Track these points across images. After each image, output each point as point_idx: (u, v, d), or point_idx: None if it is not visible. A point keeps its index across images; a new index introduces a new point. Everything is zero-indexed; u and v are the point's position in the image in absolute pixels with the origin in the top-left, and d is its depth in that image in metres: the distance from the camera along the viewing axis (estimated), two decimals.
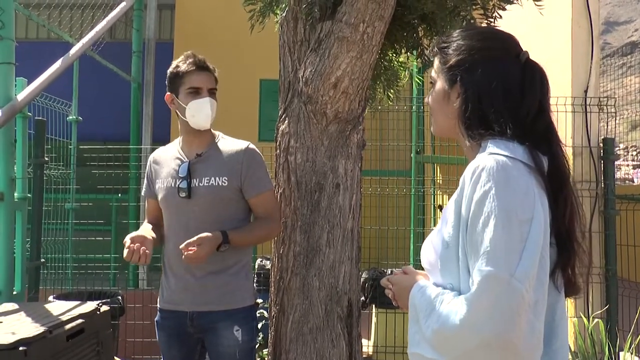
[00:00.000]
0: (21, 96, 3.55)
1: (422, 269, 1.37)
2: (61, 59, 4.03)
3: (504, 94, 1.22)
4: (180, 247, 2.07)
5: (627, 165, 15.95)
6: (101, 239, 4.93)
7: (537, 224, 1.10)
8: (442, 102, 1.32)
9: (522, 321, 1.05)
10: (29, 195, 3.75)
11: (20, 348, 2.04)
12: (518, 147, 1.18)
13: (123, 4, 5.17)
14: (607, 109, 3.97)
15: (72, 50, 4.24)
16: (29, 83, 3.68)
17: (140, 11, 6.06)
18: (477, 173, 1.14)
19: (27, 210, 3.71)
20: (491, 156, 1.15)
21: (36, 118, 3.90)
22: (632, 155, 18.36)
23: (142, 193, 2.51)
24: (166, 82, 2.35)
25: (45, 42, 7.86)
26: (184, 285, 2.26)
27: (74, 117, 5.03)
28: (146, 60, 6.04)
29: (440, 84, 1.33)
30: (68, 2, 5.27)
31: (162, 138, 6.32)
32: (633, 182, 13.54)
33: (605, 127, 4.44)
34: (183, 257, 2.06)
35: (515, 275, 1.06)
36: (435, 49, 1.36)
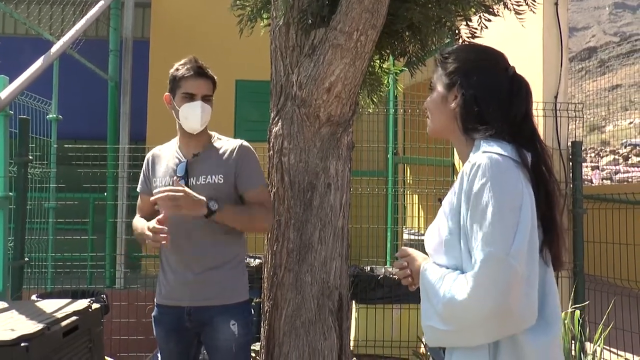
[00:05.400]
0: (4, 94, 3.53)
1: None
2: (42, 57, 4.01)
3: (496, 96, 1.45)
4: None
5: (586, 167, 16.50)
6: (79, 237, 4.91)
7: (526, 210, 1.29)
8: (440, 103, 1.53)
9: (518, 291, 1.25)
10: (10, 194, 3.72)
11: (22, 344, 2.06)
12: (507, 145, 1.38)
13: (102, 2, 5.15)
14: (575, 113, 4.19)
15: (54, 49, 4.23)
16: (6, 78, 3.65)
17: (118, 9, 6.03)
18: (474, 169, 1.33)
19: (8, 209, 3.68)
20: (485, 154, 1.34)
21: (20, 117, 3.88)
22: (590, 157, 19.03)
23: (138, 189, 2.56)
24: (168, 82, 2.42)
25: (21, 38, 7.70)
26: (183, 281, 2.32)
27: (54, 115, 4.99)
28: (124, 58, 6.02)
29: (440, 88, 1.53)
30: None
31: (139, 137, 6.30)
32: (592, 182, 14.03)
33: (573, 130, 4.70)
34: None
35: (511, 253, 1.24)
36: (438, 58, 1.56)
